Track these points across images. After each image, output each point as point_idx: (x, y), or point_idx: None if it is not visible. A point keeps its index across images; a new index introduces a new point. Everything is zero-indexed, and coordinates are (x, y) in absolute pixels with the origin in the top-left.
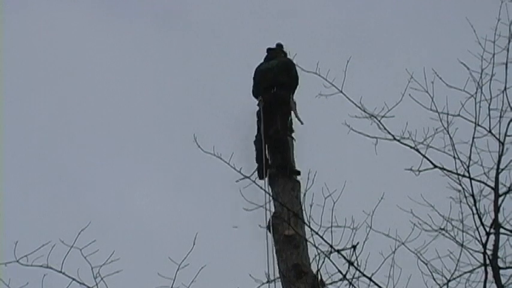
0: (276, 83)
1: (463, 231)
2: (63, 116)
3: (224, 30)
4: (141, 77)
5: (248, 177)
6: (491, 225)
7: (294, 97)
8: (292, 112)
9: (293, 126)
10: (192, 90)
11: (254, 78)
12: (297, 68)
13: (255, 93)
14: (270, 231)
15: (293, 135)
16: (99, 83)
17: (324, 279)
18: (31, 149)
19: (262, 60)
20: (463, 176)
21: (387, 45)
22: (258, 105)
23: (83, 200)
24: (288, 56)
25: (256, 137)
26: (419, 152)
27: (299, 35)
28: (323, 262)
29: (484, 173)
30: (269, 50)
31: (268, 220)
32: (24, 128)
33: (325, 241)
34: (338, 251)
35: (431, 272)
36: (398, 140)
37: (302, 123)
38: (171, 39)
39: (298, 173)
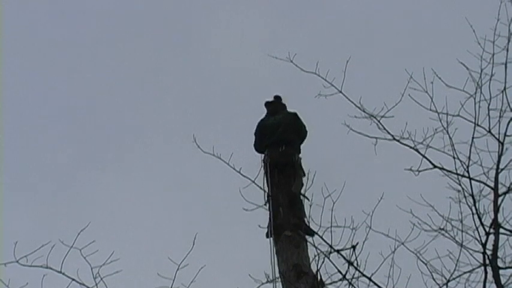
0: (284, 141)
1: (462, 231)
2: None
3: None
4: None
5: (252, 181)
6: (491, 225)
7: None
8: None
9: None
10: None
11: (258, 133)
12: (301, 118)
13: (259, 148)
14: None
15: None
16: None
17: (324, 279)
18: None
19: (263, 115)
20: (463, 176)
21: (387, 45)
22: (264, 161)
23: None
24: (287, 107)
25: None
26: (418, 152)
27: (299, 35)
28: (323, 262)
29: (484, 173)
30: (268, 103)
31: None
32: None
33: (325, 241)
34: (338, 251)
35: (431, 272)
36: (398, 140)
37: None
38: None
39: (313, 233)
